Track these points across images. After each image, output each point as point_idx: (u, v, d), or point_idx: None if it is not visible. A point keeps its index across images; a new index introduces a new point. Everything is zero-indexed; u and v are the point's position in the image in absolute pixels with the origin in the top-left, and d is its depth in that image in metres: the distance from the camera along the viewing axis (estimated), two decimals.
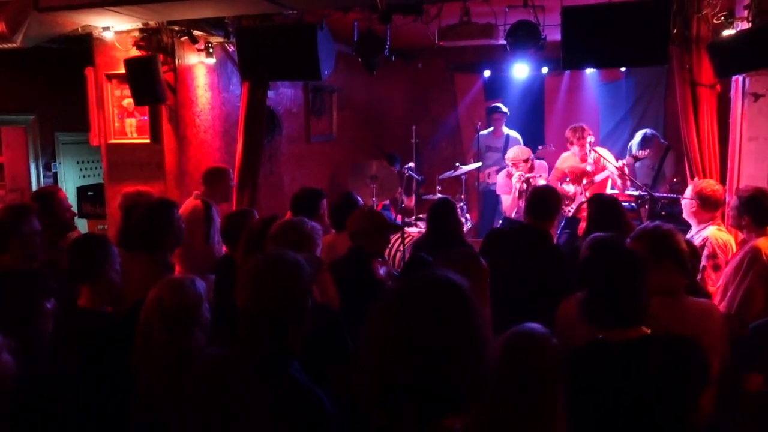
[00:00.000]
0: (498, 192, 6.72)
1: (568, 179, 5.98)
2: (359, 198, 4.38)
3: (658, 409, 1.90)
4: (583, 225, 5.75)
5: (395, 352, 1.23)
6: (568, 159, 6.07)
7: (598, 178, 5.80)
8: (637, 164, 5.94)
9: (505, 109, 7.32)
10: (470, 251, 2.58)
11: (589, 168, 5.85)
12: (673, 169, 6.06)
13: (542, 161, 6.56)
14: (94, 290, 2.60)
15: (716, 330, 2.41)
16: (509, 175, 6.32)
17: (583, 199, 5.81)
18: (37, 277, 2.38)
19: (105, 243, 2.71)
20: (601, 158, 5.74)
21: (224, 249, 4.04)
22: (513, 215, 6.06)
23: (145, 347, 2.22)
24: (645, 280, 2.04)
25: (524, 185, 6.02)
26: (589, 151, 5.78)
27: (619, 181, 5.73)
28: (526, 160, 6.22)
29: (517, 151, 6.37)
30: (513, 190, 6.15)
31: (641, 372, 1.92)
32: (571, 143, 5.92)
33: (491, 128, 7.37)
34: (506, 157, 6.45)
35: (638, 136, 6.06)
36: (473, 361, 1.25)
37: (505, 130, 7.33)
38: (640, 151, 5.74)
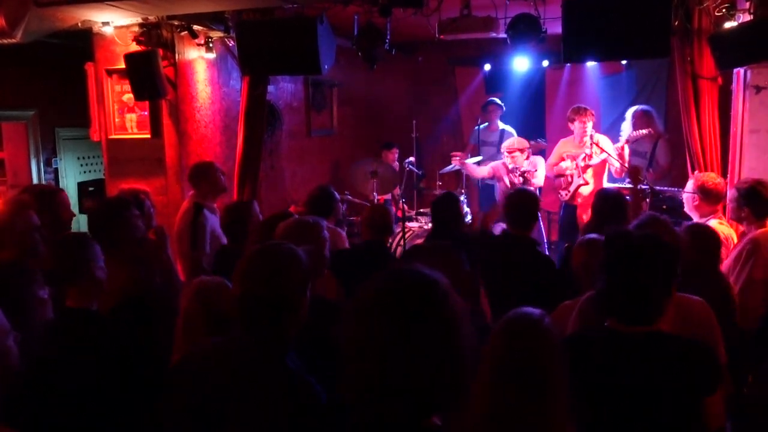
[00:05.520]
0: (477, 176, 6.63)
1: (565, 156, 5.93)
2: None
3: (663, 405, 1.89)
4: (580, 212, 5.76)
5: (374, 353, 1.22)
6: (567, 143, 5.98)
7: (594, 161, 5.71)
8: (628, 152, 5.77)
9: (500, 102, 7.28)
10: (445, 244, 2.59)
11: (587, 151, 5.76)
12: (666, 159, 5.85)
13: (540, 157, 6.40)
14: (82, 290, 2.52)
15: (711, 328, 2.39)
16: (503, 170, 6.14)
17: (581, 182, 5.76)
18: (21, 268, 2.36)
19: (88, 241, 2.62)
20: (598, 146, 5.65)
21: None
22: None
23: (186, 345, 2.24)
24: (675, 279, 1.98)
25: (520, 179, 5.88)
26: (590, 143, 5.73)
27: (616, 165, 5.52)
28: (522, 151, 6.04)
29: (514, 140, 6.22)
30: (508, 181, 6.01)
31: (651, 365, 1.90)
32: (572, 121, 5.82)
33: (486, 123, 7.33)
34: (503, 145, 6.30)
35: (628, 117, 5.77)
36: (456, 360, 1.23)
37: (501, 124, 7.27)
38: (634, 133, 5.57)
